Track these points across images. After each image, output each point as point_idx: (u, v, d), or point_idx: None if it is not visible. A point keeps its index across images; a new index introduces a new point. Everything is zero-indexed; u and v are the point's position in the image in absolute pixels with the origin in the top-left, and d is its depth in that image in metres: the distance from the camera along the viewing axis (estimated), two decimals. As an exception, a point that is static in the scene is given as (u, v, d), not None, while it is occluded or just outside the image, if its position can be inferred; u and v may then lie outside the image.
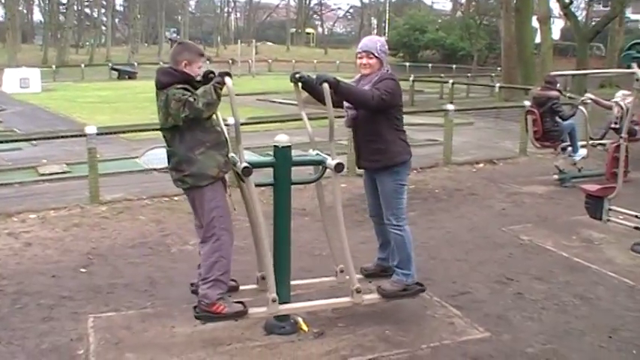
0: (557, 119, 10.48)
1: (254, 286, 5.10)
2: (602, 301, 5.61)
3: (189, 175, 4.46)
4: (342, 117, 5.10)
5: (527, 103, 13.42)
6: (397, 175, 4.96)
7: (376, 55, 4.90)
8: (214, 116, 4.57)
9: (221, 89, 4.37)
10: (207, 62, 42.91)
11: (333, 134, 4.62)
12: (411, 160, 5.13)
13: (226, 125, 4.83)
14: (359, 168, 5.41)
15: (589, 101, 10.89)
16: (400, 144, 4.98)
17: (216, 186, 4.53)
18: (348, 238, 4.86)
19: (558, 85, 10.86)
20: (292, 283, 4.90)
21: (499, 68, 34.74)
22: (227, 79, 4.36)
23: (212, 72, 4.54)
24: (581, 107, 10.84)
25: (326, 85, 4.48)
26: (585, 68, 24.64)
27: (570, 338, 4.87)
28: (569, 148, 10.75)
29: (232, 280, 4.91)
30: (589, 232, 7.69)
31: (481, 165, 12.16)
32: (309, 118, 4.95)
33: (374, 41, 5.00)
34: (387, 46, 5.01)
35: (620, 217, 7.47)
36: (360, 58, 4.95)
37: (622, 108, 10.62)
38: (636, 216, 7.16)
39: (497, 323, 5.08)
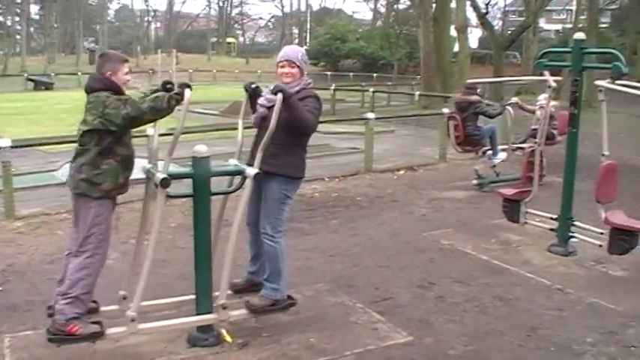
0: (479, 124, 10.74)
1: (167, 300, 4.98)
2: (520, 301, 5.75)
3: (86, 180, 4.34)
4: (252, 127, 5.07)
5: (445, 110, 13.80)
6: (286, 184, 4.88)
7: (297, 64, 4.89)
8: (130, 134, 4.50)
9: (177, 102, 4.31)
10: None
11: (269, 143, 4.59)
12: (302, 181, 5.09)
13: (146, 136, 4.75)
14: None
15: (514, 103, 11.15)
16: (299, 160, 4.93)
17: (105, 203, 4.42)
18: (242, 252, 4.78)
19: (478, 90, 11.15)
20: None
21: (419, 77, 35.43)
22: (186, 92, 4.30)
23: (170, 82, 4.47)
24: (508, 108, 11.15)
25: (280, 95, 4.46)
26: (501, 76, 25.41)
27: (491, 339, 4.97)
28: (489, 152, 11.02)
29: (93, 301, 4.72)
30: (507, 234, 7.88)
31: (402, 172, 12.31)
32: (234, 129, 4.91)
33: (295, 51, 5.00)
34: (307, 56, 5.02)
35: (537, 219, 7.70)
36: (282, 67, 4.90)
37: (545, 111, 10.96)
38: (552, 218, 7.39)
39: (419, 327, 5.14)
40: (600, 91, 6.56)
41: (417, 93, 23.11)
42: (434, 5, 26.18)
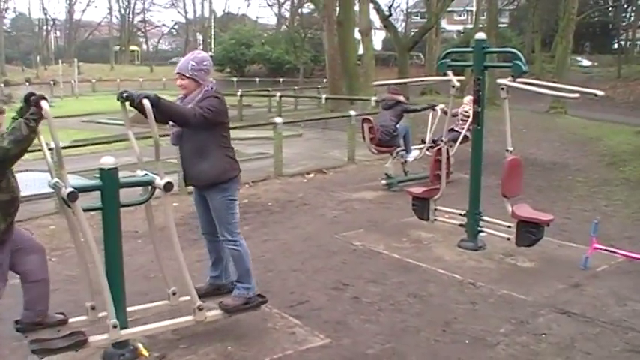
0: (396, 125, 10.90)
1: (85, 318, 4.84)
2: (434, 297, 5.87)
3: None
4: (168, 135, 5.01)
5: (353, 112, 13.97)
6: (226, 191, 4.95)
7: (188, 75, 4.84)
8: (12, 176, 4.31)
9: (36, 121, 4.13)
10: (27, 84, 40.99)
11: (159, 153, 4.50)
12: (240, 175, 5.12)
13: (50, 150, 4.57)
14: (187, 185, 5.38)
15: (438, 110, 11.38)
16: (227, 161, 4.97)
17: None
18: (184, 258, 4.75)
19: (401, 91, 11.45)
20: (127, 309, 4.71)
21: (325, 80, 35.69)
22: (43, 104, 4.13)
23: (33, 93, 4.28)
24: (437, 108, 11.44)
25: (146, 102, 4.35)
26: (406, 76, 25.82)
27: (408, 336, 5.04)
28: (402, 152, 11.25)
29: (60, 313, 4.71)
30: (418, 232, 8.03)
31: (312, 175, 12.38)
32: (137, 138, 4.78)
33: (187, 62, 4.90)
34: (206, 62, 4.92)
35: (446, 216, 7.89)
36: (177, 79, 4.94)
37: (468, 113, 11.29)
38: (460, 214, 7.57)
39: (336, 329, 5.16)
40: (502, 89, 6.76)
41: (324, 96, 23.29)
42: (338, 9, 26.46)
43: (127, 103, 4.52)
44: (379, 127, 10.86)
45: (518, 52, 6.72)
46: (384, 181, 11.06)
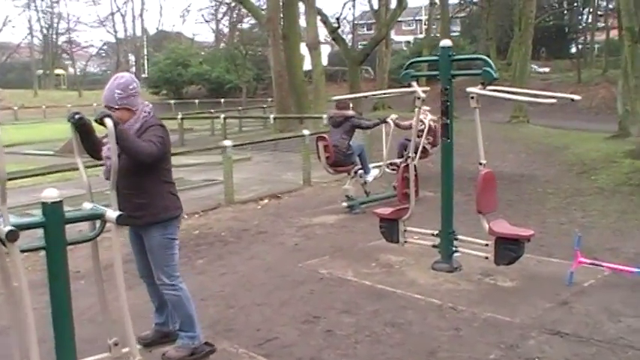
0: (348, 143, 10.87)
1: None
2: (413, 325, 5.79)
3: None
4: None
5: (306, 132, 13.92)
6: (165, 229, 4.80)
7: (117, 107, 4.62)
8: None
9: None
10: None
11: (115, 181, 4.33)
12: (182, 214, 5.01)
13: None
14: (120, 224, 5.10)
15: (390, 122, 11.39)
16: (169, 198, 4.84)
17: None
18: (130, 300, 4.54)
19: (350, 106, 11.33)
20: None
21: (270, 99, 35.73)
22: None
23: None
24: (388, 121, 11.40)
25: (109, 121, 4.19)
26: (358, 91, 26.01)
27: (388, 370, 4.94)
28: (361, 171, 11.20)
29: None
30: (388, 256, 7.97)
31: (266, 201, 12.27)
32: (72, 169, 4.60)
33: (111, 92, 4.65)
34: (132, 85, 4.71)
35: (416, 237, 7.84)
36: None
37: (425, 125, 11.28)
38: (433, 234, 7.54)
39: (311, 366, 5.04)
40: (472, 97, 6.78)
41: (272, 116, 23.27)
42: (282, 22, 26.51)
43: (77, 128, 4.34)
44: (332, 147, 10.82)
45: (488, 59, 6.77)
46: (344, 204, 11.01)
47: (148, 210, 4.71)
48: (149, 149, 4.50)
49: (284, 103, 26.24)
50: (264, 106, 34.28)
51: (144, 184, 4.68)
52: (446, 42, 7.22)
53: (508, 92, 6.88)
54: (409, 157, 7.95)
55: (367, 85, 41.11)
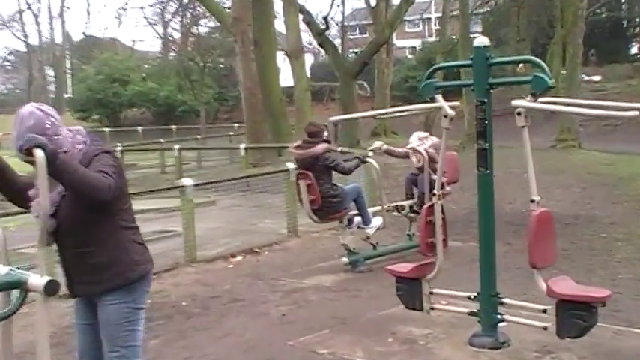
0: (334, 186, 10.74)
1: None
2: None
3: None
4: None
5: (290, 165, 13.79)
6: (130, 294, 4.73)
7: (37, 145, 4.19)
8: None
9: None
10: None
11: (45, 235, 4.19)
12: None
13: None
14: (73, 295, 4.98)
15: (379, 150, 11.34)
16: (135, 249, 4.76)
17: None
18: None
19: (326, 133, 11.12)
20: None
21: (237, 124, 35.75)
22: None
23: None
24: (369, 160, 11.26)
25: (39, 152, 4.02)
26: (353, 112, 25.96)
27: None
28: (357, 219, 11.07)
29: None
30: (408, 328, 7.88)
31: (239, 257, 12.24)
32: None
33: (22, 135, 4.30)
34: (50, 120, 4.49)
35: (445, 301, 7.72)
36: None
37: (422, 155, 11.19)
38: (469, 297, 7.39)
39: None
40: (518, 114, 6.69)
41: (242, 146, 23.24)
42: (253, 24, 26.30)
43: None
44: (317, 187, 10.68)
45: (541, 62, 6.70)
46: (344, 259, 10.93)
47: (110, 270, 4.62)
48: (107, 181, 4.38)
49: (257, 130, 26.20)
50: (231, 133, 34.37)
51: (100, 234, 4.58)
52: (482, 40, 7.15)
53: (570, 105, 6.79)
54: (434, 194, 7.81)
55: (363, 104, 41.09)
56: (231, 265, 11.83)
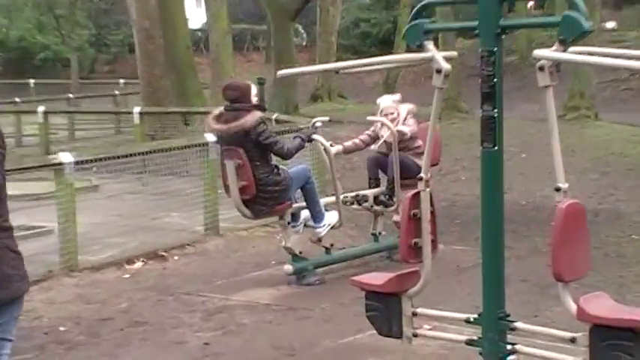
0: (273, 169, 10.63)
1: None
2: None
3: None
4: None
5: (210, 137, 13.62)
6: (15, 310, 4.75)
7: None
8: None
9: None
10: None
11: None
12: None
13: None
14: None
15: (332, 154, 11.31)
16: (6, 259, 4.67)
17: None
18: None
19: (254, 95, 10.95)
20: None
21: (122, 81, 35.56)
22: None
23: None
24: (316, 137, 11.18)
25: None
26: (292, 66, 25.76)
27: None
28: (305, 214, 11.07)
29: None
30: (381, 363, 7.90)
31: (139, 264, 12.22)
32: None
33: None
34: None
35: (432, 324, 7.76)
36: None
37: (407, 134, 11.24)
38: (467, 320, 7.41)
39: None
40: (540, 69, 6.67)
41: (136, 110, 23.10)
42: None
43: None
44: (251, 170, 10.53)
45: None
46: (288, 267, 10.87)
47: None
48: None
49: (157, 88, 25.98)
50: (116, 92, 34.11)
51: None
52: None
53: (604, 56, 6.79)
54: (421, 178, 7.79)
55: (299, 56, 41.15)
56: (127, 275, 11.78)
